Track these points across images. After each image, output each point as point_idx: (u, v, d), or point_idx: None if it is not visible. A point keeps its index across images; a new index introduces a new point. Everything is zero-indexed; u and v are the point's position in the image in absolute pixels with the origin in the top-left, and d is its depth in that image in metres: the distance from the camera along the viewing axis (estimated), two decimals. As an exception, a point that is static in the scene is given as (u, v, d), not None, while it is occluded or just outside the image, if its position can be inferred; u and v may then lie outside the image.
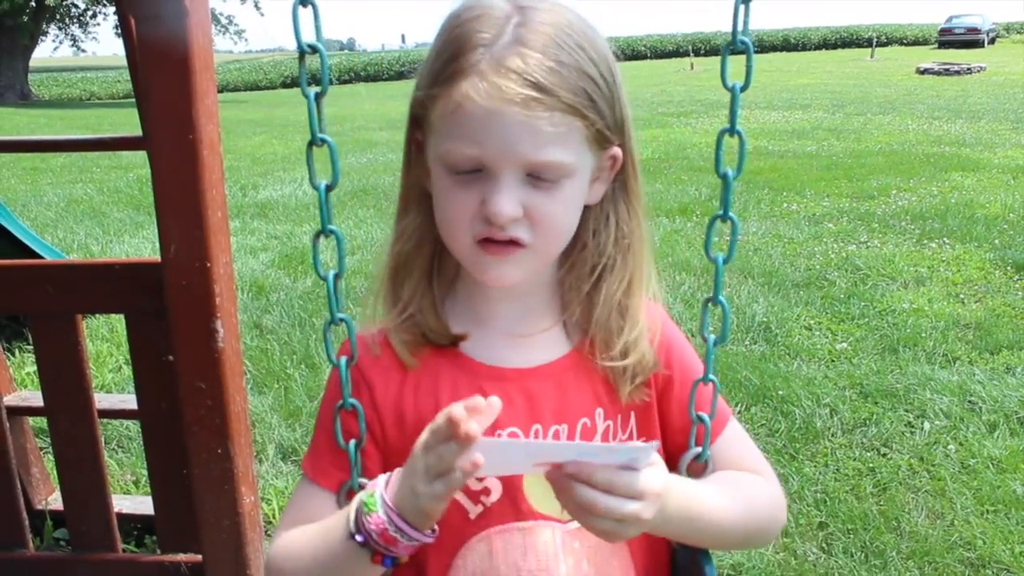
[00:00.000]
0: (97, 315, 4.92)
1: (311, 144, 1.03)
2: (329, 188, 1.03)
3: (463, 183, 1.00)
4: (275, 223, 7.77)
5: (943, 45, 42.72)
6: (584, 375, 1.12)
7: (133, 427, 3.52)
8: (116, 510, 2.49)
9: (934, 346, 4.41)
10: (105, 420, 3.59)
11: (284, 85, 45.28)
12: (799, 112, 16.67)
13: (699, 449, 1.14)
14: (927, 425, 3.56)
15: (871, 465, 3.26)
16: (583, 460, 0.92)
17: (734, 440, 1.19)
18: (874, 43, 43.59)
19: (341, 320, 1.09)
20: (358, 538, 0.97)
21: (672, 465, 1.13)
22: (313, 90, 1.00)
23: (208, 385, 1.98)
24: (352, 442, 1.09)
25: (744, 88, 1.03)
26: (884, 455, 3.35)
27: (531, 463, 0.95)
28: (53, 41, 40.08)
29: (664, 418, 1.17)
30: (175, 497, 2.23)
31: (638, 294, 1.12)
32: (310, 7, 0.99)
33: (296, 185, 9.70)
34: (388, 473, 1.00)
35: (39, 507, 2.71)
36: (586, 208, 1.09)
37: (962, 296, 5.28)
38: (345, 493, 1.11)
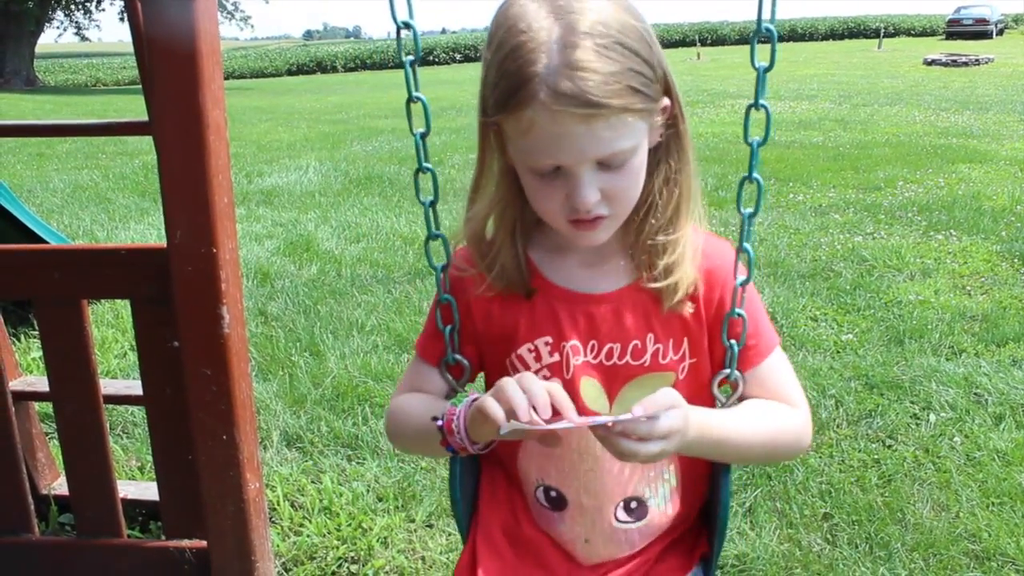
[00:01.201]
0: (102, 301, 4.93)
1: (409, 100, 1.28)
2: (424, 135, 1.30)
3: (547, 181, 1.18)
4: (280, 210, 7.76)
5: (951, 36, 42.52)
6: (640, 304, 1.31)
7: (138, 413, 3.52)
8: (122, 495, 2.50)
9: (940, 338, 4.39)
10: (110, 406, 3.60)
11: (290, 72, 45.28)
12: (805, 102, 16.60)
13: (728, 371, 1.32)
14: (933, 417, 3.54)
15: (876, 457, 3.25)
16: (615, 421, 1.11)
17: (772, 370, 1.36)
18: (881, 34, 43.36)
19: (438, 236, 1.36)
20: (438, 422, 1.24)
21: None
22: (409, 58, 1.25)
23: (213, 371, 1.98)
24: (448, 327, 1.37)
25: (769, 69, 1.19)
26: (889, 447, 3.34)
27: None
28: (58, 27, 39.99)
29: (712, 347, 1.34)
30: (180, 483, 2.23)
31: (682, 220, 1.28)
32: None
33: (302, 172, 9.69)
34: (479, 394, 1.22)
35: (44, 492, 2.71)
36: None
37: (969, 288, 5.26)
38: (444, 366, 1.40)
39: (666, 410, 1.12)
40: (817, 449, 3.30)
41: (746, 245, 1.27)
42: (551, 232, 1.32)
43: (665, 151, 1.27)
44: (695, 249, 1.30)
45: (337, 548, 2.68)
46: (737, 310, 1.29)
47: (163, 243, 1.96)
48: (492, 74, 1.16)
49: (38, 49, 36.37)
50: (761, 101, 1.20)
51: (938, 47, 34.40)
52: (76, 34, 40.19)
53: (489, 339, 1.38)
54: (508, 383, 1.14)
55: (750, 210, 1.25)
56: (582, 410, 1.25)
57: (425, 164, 1.32)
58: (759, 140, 1.21)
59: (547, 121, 1.10)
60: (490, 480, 1.50)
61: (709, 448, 1.26)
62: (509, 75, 1.12)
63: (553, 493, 1.40)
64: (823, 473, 3.12)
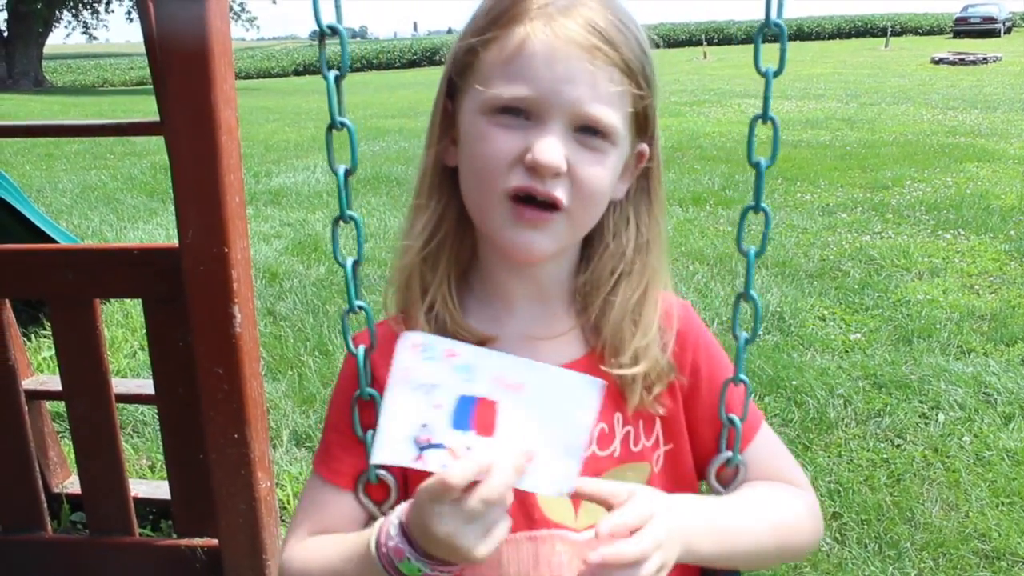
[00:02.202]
0: (112, 301, 4.95)
1: (331, 128, 0.99)
2: (348, 173, 1.01)
3: (506, 128, 0.96)
4: (288, 210, 7.78)
5: (958, 35, 42.44)
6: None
7: (148, 412, 3.54)
8: (132, 494, 2.51)
9: (949, 337, 4.39)
10: (121, 405, 3.62)
11: (296, 72, 45.33)
12: (813, 102, 16.58)
13: (729, 453, 1.10)
14: (941, 416, 3.54)
15: (885, 456, 3.25)
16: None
17: (766, 447, 1.14)
18: (889, 32, 43.32)
19: (360, 308, 1.06)
20: (380, 556, 0.93)
21: (701, 473, 1.14)
22: (333, 73, 0.97)
23: (225, 370, 1.98)
24: (370, 432, 1.03)
25: (778, 73, 0.98)
26: (898, 446, 3.34)
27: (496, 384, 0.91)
28: (66, 28, 40.10)
29: (692, 425, 1.12)
30: (191, 482, 2.24)
31: (652, 299, 1.08)
32: None
33: (309, 172, 9.71)
34: (391, 523, 0.94)
35: (56, 490, 2.73)
36: (608, 206, 1.06)
37: (977, 287, 5.25)
38: (363, 485, 1.08)
39: (639, 521, 0.91)
40: (826, 448, 3.31)
41: (752, 293, 1.06)
42: (479, 283, 1.11)
43: (634, 205, 1.09)
44: (664, 328, 1.09)
45: (347, 547, 2.69)
46: (740, 376, 1.08)
47: (174, 243, 1.97)
48: (480, 7, 1.01)
49: (46, 50, 36.49)
50: (770, 113, 1.00)
51: (946, 46, 34.32)
52: (84, 34, 40.30)
53: None
54: (430, 509, 0.88)
55: (755, 248, 1.05)
56: (542, 523, 1.05)
57: (348, 212, 1.03)
58: (767, 161, 1.01)
59: (546, 35, 0.94)
60: None
61: (711, 549, 1.01)
62: None
63: None
64: (832, 472, 3.12)
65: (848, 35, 52.14)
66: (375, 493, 1.08)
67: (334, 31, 0.97)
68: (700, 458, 1.13)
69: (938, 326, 4.54)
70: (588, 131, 0.96)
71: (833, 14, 60.27)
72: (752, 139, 1.01)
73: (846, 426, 3.49)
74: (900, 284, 5.30)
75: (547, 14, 0.95)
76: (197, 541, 2.25)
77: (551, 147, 0.94)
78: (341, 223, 1.03)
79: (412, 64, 46.77)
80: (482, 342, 1.05)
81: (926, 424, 3.50)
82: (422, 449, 0.88)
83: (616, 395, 1.07)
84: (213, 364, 1.99)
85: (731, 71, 25.55)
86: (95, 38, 41.85)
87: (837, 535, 2.77)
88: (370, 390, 1.05)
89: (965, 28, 42.52)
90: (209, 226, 1.92)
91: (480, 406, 0.89)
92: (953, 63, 26.64)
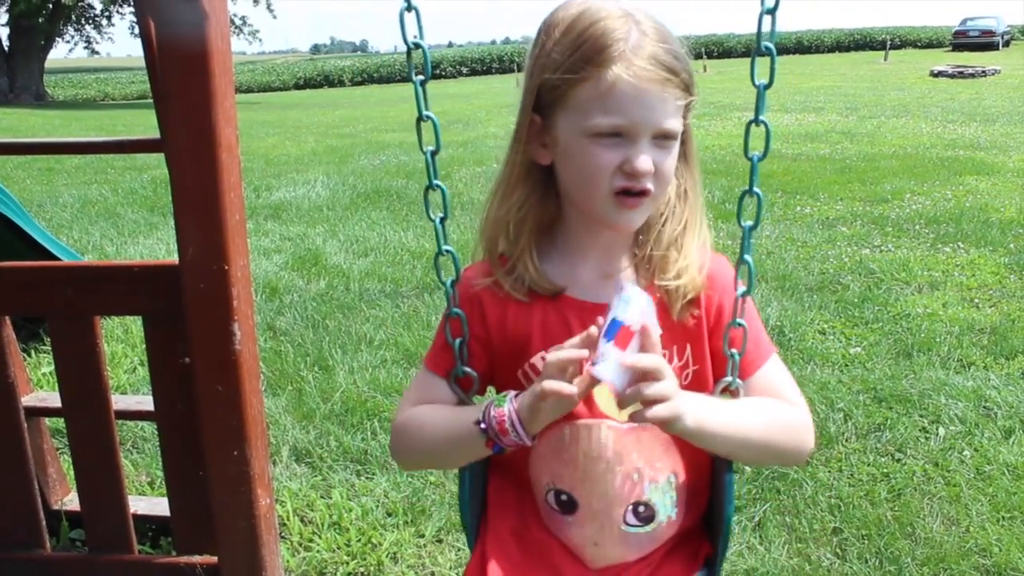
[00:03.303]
0: (112, 317, 4.95)
1: (419, 120, 1.33)
2: (434, 153, 1.36)
3: (606, 146, 1.26)
4: (288, 224, 7.79)
5: (957, 48, 42.55)
6: None
7: (148, 428, 3.54)
8: (131, 511, 2.51)
9: (949, 351, 4.38)
10: (120, 421, 3.61)
11: (297, 87, 45.47)
12: (812, 115, 16.62)
13: (729, 379, 1.38)
14: (942, 431, 3.54)
15: (885, 471, 3.25)
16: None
17: (771, 375, 1.43)
18: (888, 46, 43.46)
19: (448, 251, 1.39)
20: (482, 425, 1.28)
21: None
22: (419, 78, 1.31)
23: (225, 388, 1.99)
24: (458, 340, 1.41)
25: (768, 86, 1.28)
26: (899, 460, 3.33)
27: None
28: (68, 42, 40.22)
29: (712, 344, 1.41)
30: (191, 499, 2.24)
31: (691, 232, 1.39)
32: (414, 12, 1.29)
33: (309, 187, 9.72)
34: (517, 392, 1.29)
35: (55, 507, 2.73)
36: None
37: (977, 301, 5.25)
38: (453, 378, 1.43)
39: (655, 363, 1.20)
40: (826, 463, 3.30)
41: (746, 257, 1.34)
42: (562, 240, 1.42)
43: (679, 166, 1.37)
44: (702, 261, 1.39)
45: (347, 563, 2.69)
46: (738, 320, 1.36)
47: (175, 260, 1.98)
48: (566, 42, 1.27)
49: (48, 64, 36.59)
50: (761, 117, 1.29)
51: (944, 59, 34.42)
52: (87, 48, 40.40)
53: (501, 350, 1.42)
54: (548, 365, 1.22)
55: (750, 223, 1.33)
56: (597, 414, 1.38)
57: (435, 182, 1.38)
58: (759, 155, 1.31)
59: (632, 77, 1.22)
60: (498, 486, 1.54)
61: (712, 430, 1.28)
62: (593, 38, 1.25)
63: (564, 497, 1.43)
64: (832, 487, 3.12)
65: (847, 48, 52.33)
66: (463, 383, 1.44)
67: (417, 45, 1.30)
68: (717, 375, 1.43)
69: (938, 340, 4.54)
70: (663, 137, 1.28)
71: (833, 27, 60.47)
72: (748, 137, 1.30)
73: (846, 440, 3.48)
74: (900, 298, 5.30)
75: (626, 58, 1.23)
76: (196, 559, 2.25)
77: (645, 159, 1.25)
78: (429, 192, 1.39)
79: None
80: (556, 293, 1.39)
81: (926, 438, 3.49)
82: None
83: (660, 307, 1.32)
84: (213, 381, 2.00)
85: (731, 84, 25.58)
86: (97, 52, 41.96)
87: (838, 550, 2.76)
88: (456, 310, 1.41)
89: (964, 41, 42.63)
90: (209, 243, 1.93)
91: (623, 329, 1.19)
92: (952, 76, 26.71)
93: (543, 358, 1.34)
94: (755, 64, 1.28)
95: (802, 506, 2.98)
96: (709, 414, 1.26)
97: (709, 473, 1.51)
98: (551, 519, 1.46)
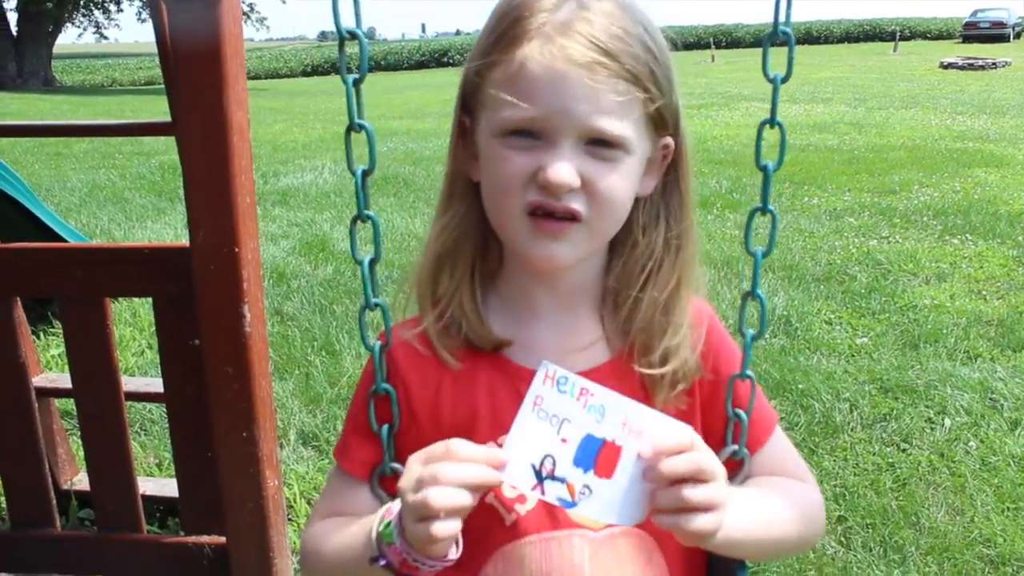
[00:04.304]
0: (120, 300, 4.97)
1: (349, 130, 1.02)
2: (367, 173, 1.03)
3: (518, 149, 0.98)
4: (296, 210, 7.80)
5: (967, 39, 42.32)
6: (625, 383, 1.06)
7: (156, 410, 3.56)
8: (140, 492, 2.53)
9: (955, 343, 4.38)
10: (129, 403, 3.64)
11: (305, 73, 45.49)
12: (820, 106, 16.55)
13: (735, 447, 1.12)
14: (947, 421, 3.54)
15: (891, 460, 3.26)
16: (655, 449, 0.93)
17: (779, 448, 1.18)
18: (897, 37, 43.22)
19: (377, 305, 1.08)
20: (382, 562, 0.97)
21: None
22: (352, 76, 0.99)
23: (235, 370, 2.00)
24: (385, 427, 1.09)
25: (785, 79, 1.01)
26: (904, 451, 3.34)
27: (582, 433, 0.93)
28: (76, 27, 40.24)
29: (708, 425, 1.13)
30: (199, 480, 2.25)
31: (684, 297, 1.10)
32: None
33: (317, 173, 9.73)
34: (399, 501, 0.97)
35: (65, 487, 2.75)
36: (637, 202, 1.07)
37: (984, 293, 5.25)
38: (377, 477, 1.12)
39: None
40: (831, 452, 3.31)
41: (759, 292, 1.08)
42: (514, 292, 1.12)
43: (663, 208, 1.10)
44: (697, 323, 1.12)
45: (353, 546, 2.71)
46: (747, 372, 1.10)
47: (185, 242, 1.99)
48: (492, 18, 1.03)
49: (56, 50, 36.62)
50: (776, 118, 1.03)
51: (955, 50, 34.27)
52: (96, 33, 40.42)
53: (436, 438, 0.99)
54: (426, 467, 0.92)
55: (762, 248, 1.07)
56: (565, 524, 1.06)
57: (365, 211, 1.05)
58: (774, 165, 1.04)
59: (545, 57, 0.95)
60: None
61: (739, 536, 1.01)
62: (507, 15, 1.00)
63: None
64: (837, 476, 3.13)
65: (857, 39, 52.13)
66: (389, 485, 1.10)
67: (353, 35, 0.98)
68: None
69: (945, 331, 4.53)
70: (599, 143, 0.98)
71: (842, 18, 60.22)
72: (760, 143, 1.04)
73: (852, 430, 3.49)
74: (907, 289, 5.30)
75: (544, 34, 0.96)
76: (204, 539, 2.26)
77: (561, 166, 0.96)
78: (359, 222, 1.05)
79: (420, 65, 46.87)
80: (498, 346, 1.09)
81: (932, 429, 3.50)
82: (542, 479, 0.92)
83: (641, 394, 1.08)
84: (222, 363, 2.00)
85: (740, 74, 25.52)
86: (106, 38, 41.99)
87: (842, 539, 2.77)
88: (385, 385, 1.08)
89: (974, 33, 42.41)
90: (220, 226, 1.93)
91: (605, 449, 0.92)
92: (962, 68, 26.56)
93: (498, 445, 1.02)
94: (768, 54, 1.01)
95: (807, 494, 2.99)
96: (736, 518, 0.98)
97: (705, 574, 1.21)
98: None
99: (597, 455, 0.92)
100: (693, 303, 1.12)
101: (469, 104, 1.06)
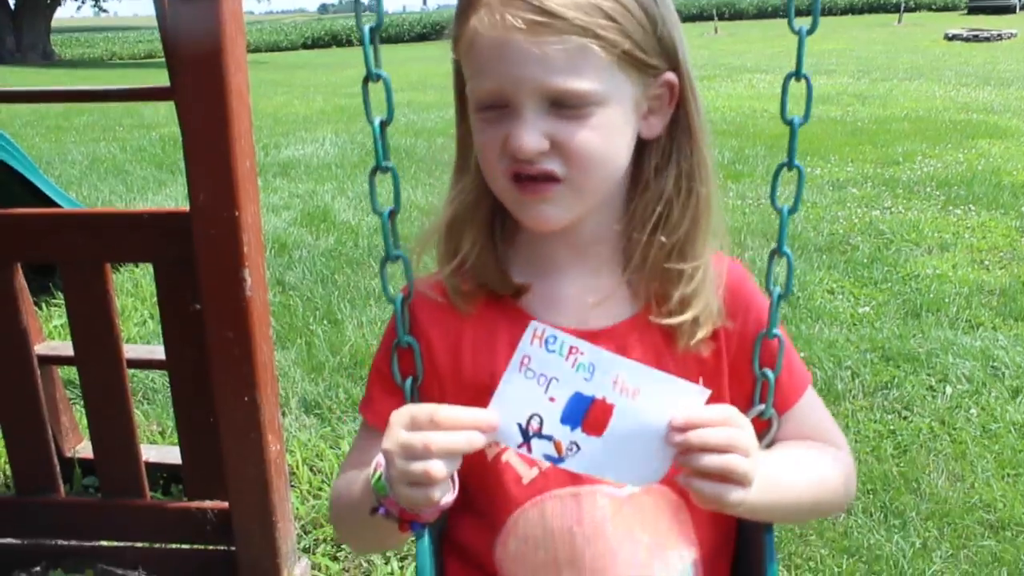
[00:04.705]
0: (122, 270, 4.98)
1: (366, 80, 0.98)
2: (384, 124, 1.00)
3: (490, 121, 0.98)
4: (297, 182, 7.79)
5: (973, 11, 41.93)
6: (648, 339, 1.06)
7: (158, 379, 3.57)
8: (143, 459, 2.54)
9: (957, 312, 4.38)
10: (132, 372, 3.64)
11: (305, 46, 45.17)
12: (824, 77, 16.43)
13: (762, 406, 1.08)
14: (949, 389, 3.55)
15: (892, 427, 3.26)
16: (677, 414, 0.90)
17: (810, 409, 1.14)
18: (902, 8, 42.85)
19: (398, 257, 1.05)
20: (381, 511, 0.98)
21: None
22: (368, 24, 0.95)
23: (236, 334, 2.00)
24: (408, 379, 1.07)
25: (811, 31, 1.00)
26: (905, 418, 3.34)
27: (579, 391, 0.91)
28: (75, 0, 39.98)
29: (736, 382, 1.10)
30: (202, 446, 2.26)
31: (700, 241, 1.05)
32: None
33: (318, 144, 9.71)
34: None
35: (68, 455, 2.76)
36: (646, 144, 1.05)
37: (987, 263, 5.23)
38: None
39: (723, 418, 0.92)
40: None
41: (785, 249, 1.03)
42: (533, 247, 1.10)
43: (674, 146, 1.06)
44: (717, 275, 1.07)
45: (356, 512, 2.72)
46: (774, 331, 1.05)
47: (186, 208, 1.98)
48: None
49: (54, 23, 36.40)
50: (803, 71, 1.00)
51: (959, 22, 33.99)
52: (94, 6, 40.18)
53: (459, 390, 1.07)
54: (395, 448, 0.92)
55: (788, 205, 1.02)
56: (587, 480, 1.05)
57: (385, 162, 1.02)
58: (800, 119, 1.01)
59: (488, 28, 0.94)
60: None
61: (768, 501, 0.99)
62: None
63: None
64: (838, 443, 3.13)
65: (861, 11, 51.58)
66: None
67: None
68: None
69: (947, 300, 4.53)
70: (561, 103, 0.95)
71: (846, -11, 59.65)
72: (785, 97, 1.02)
73: (853, 398, 3.50)
74: (909, 259, 5.29)
75: (488, 4, 0.95)
76: (207, 503, 2.27)
77: (522, 134, 0.95)
78: (378, 173, 1.03)
79: (421, 38, 46.48)
80: (518, 292, 1.08)
81: (933, 397, 3.50)
82: (529, 438, 0.92)
83: (663, 355, 1.06)
84: (223, 328, 2.00)
85: (742, 46, 25.35)
86: (104, 11, 41.76)
87: (843, 504, 2.78)
88: (408, 338, 1.06)
89: (979, 4, 41.99)
90: (220, 190, 1.93)
91: (595, 407, 0.91)
92: (967, 39, 26.34)
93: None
94: (792, 6, 0.99)
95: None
96: (762, 486, 0.94)
97: (732, 536, 1.19)
98: None
99: (586, 413, 0.91)
100: (720, 256, 1.09)
101: (461, 78, 1.05)
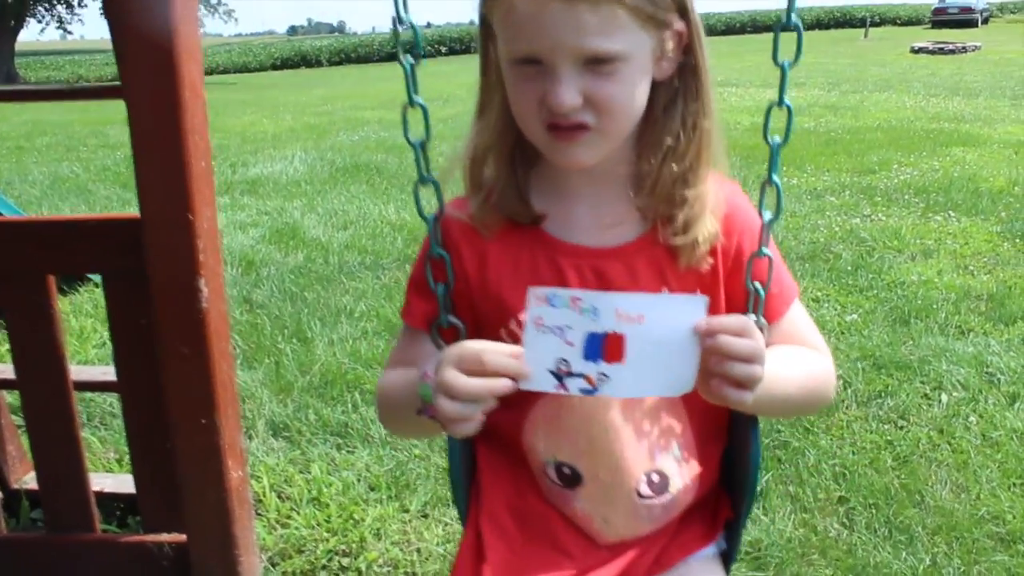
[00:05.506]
0: (80, 290, 4.77)
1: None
2: (415, 65, 1.13)
3: (527, 76, 1.08)
4: (265, 199, 7.58)
5: (937, 25, 42.57)
6: (654, 258, 1.19)
7: (116, 403, 3.36)
8: (98, 489, 2.36)
9: (947, 317, 4.26)
10: (89, 396, 3.44)
11: (274, 67, 44.87)
12: (794, 90, 16.39)
13: (754, 317, 1.16)
14: (945, 397, 3.42)
15: (889, 438, 3.12)
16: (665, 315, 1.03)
17: (798, 320, 1.27)
18: (868, 23, 43.38)
19: (430, 180, 1.17)
20: (427, 414, 1.07)
21: None
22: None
23: (191, 350, 1.82)
24: (440, 285, 1.20)
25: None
26: (902, 428, 3.20)
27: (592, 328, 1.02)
28: (39, 22, 39.54)
29: (731, 296, 1.23)
30: (158, 473, 2.07)
31: (704, 170, 1.18)
32: None
33: (287, 162, 9.50)
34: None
35: (15, 487, 2.56)
36: (657, 84, 1.15)
37: (972, 268, 5.14)
38: (436, 329, 1.22)
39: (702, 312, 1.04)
40: (827, 431, 3.17)
41: (775, 177, 1.13)
42: (551, 174, 1.22)
43: (681, 87, 1.17)
44: (717, 200, 1.18)
45: (327, 540, 2.53)
46: (764, 249, 1.15)
47: (137, 213, 1.81)
48: None
49: (19, 46, 35.99)
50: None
51: (924, 35, 34.41)
52: (59, 28, 39.77)
53: (484, 302, 1.23)
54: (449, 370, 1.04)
55: (778, 139, 1.12)
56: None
57: (415, 98, 1.14)
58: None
59: (526, 1, 1.03)
60: (490, 455, 1.35)
61: (766, 391, 1.09)
62: None
63: (567, 470, 1.26)
64: (835, 455, 2.99)
65: (827, 26, 52.29)
66: (447, 336, 1.22)
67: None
68: None
69: (935, 306, 4.42)
70: (595, 62, 1.05)
71: (812, 5, 60.47)
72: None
73: (847, 408, 3.36)
74: (893, 265, 5.18)
75: None
76: (164, 536, 2.08)
77: (561, 92, 1.05)
78: (409, 109, 1.13)
79: (391, 57, 46.41)
80: (535, 220, 1.21)
81: (929, 405, 3.37)
82: (560, 379, 1.04)
83: (666, 273, 1.19)
84: (178, 343, 1.83)
85: (712, 60, 25.38)
86: (70, 32, 41.31)
87: (844, 520, 2.64)
88: (439, 251, 1.19)
89: (943, 19, 42.65)
90: (172, 192, 1.77)
91: (609, 340, 1.02)
92: (933, 52, 26.64)
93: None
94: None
95: (805, 475, 2.85)
96: (765, 380, 1.06)
97: (722, 425, 1.34)
98: (552, 493, 1.30)
99: (603, 347, 1.03)
100: (722, 182, 1.21)
101: (487, 29, 1.14)
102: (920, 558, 2.43)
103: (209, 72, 42.65)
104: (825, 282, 4.89)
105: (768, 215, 1.14)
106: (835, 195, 7.15)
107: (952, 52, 26.30)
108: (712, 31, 51.31)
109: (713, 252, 1.19)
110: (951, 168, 8.11)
